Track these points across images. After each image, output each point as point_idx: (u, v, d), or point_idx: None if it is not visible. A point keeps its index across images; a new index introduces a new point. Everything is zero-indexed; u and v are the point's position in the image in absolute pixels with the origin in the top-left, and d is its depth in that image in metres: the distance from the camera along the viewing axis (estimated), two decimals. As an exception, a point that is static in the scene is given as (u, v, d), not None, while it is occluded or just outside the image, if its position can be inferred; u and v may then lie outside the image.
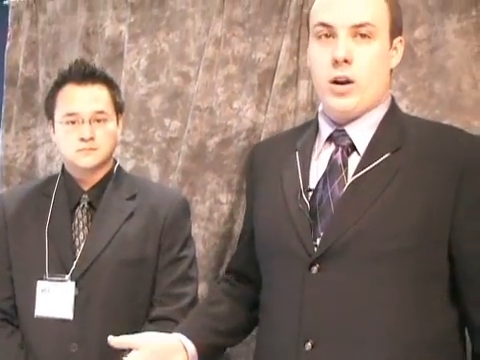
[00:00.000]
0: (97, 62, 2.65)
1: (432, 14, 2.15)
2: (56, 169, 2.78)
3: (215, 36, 2.47)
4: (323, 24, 1.50)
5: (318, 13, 1.52)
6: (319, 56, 1.51)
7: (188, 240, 2.09)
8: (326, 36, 1.50)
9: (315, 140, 1.59)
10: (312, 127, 1.62)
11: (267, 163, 1.66)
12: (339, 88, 1.48)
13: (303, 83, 2.31)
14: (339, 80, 1.48)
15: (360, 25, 1.47)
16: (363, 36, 1.48)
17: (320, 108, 1.61)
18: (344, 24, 1.47)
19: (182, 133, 2.53)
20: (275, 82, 2.36)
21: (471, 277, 1.47)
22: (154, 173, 2.59)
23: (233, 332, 1.71)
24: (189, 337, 1.59)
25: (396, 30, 1.54)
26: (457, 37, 2.12)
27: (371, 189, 1.46)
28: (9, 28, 2.93)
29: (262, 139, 2.34)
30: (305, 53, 2.30)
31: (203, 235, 2.43)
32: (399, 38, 1.55)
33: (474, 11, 2.11)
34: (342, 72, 1.47)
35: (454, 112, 2.11)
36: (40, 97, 2.85)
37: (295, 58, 2.34)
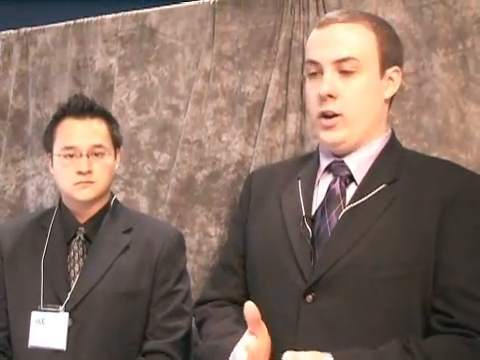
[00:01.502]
0: (87, 95, 2.64)
1: (419, 48, 2.16)
2: (46, 201, 2.78)
3: (204, 70, 2.49)
4: (311, 62, 1.55)
5: (308, 51, 1.59)
6: (310, 92, 1.57)
7: (183, 274, 2.09)
8: (314, 73, 1.55)
9: (317, 170, 1.61)
10: (313, 158, 1.65)
11: (266, 190, 1.66)
12: (326, 122, 1.53)
13: (292, 116, 2.32)
14: (328, 114, 1.52)
15: (343, 60, 1.51)
16: (347, 71, 1.51)
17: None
18: (328, 60, 1.52)
19: (171, 166, 2.54)
20: (264, 115, 2.37)
21: (437, 308, 1.46)
22: (143, 206, 2.59)
23: None
24: None
25: (389, 60, 1.55)
26: (444, 71, 2.14)
27: (364, 219, 1.47)
28: (-1, 60, 2.94)
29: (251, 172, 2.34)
30: (294, 87, 2.33)
31: (192, 268, 2.42)
32: (394, 68, 1.56)
33: (460, 45, 2.12)
34: (327, 107, 1.52)
35: (441, 145, 2.12)
36: (30, 129, 2.86)
37: (284, 91, 2.35)
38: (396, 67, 1.57)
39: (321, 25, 1.56)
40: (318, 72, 1.53)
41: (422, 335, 1.46)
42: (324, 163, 1.59)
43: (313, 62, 1.54)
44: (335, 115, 1.51)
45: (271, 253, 1.55)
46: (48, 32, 2.86)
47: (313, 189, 1.58)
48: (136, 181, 2.60)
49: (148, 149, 2.60)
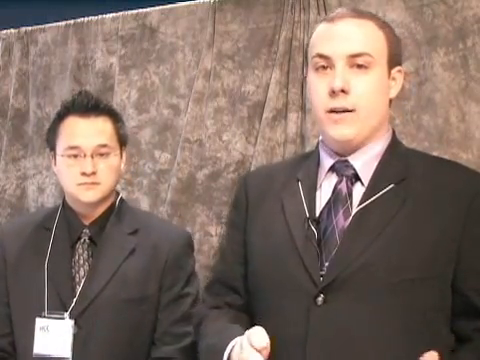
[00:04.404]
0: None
1: (420, 48, 2.17)
2: (47, 201, 2.78)
3: (205, 69, 2.49)
4: (321, 55, 1.50)
5: (316, 45, 1.53)
6: (317, 87, 1.51)
7: (191, 277, 2.02)
8: (324, 67, 1.50)
9: (318, 171, 1.57)
10: (312, 158, 1.61)
11: (265, 193, 1.62)
12: (337, 116, 1.48)
13: (292, 116, 2.32)
14: (336, 110, 1.47)
15: (357, 55, 1.47)
16: (360, 66, 1.48)
17: (320, 138, 1.61)
18: (341, 54, 1.47)
19: (172, 165, 2.54)
20: (264, 115, 2.37)
21: (468, 310, 1.46)
22: (144, 205, 2.59)
23: None
24: None
25: (394, 60, 1.53)
26: (445, 70, 2.14)
27: (377, 220, 1.45)
28: (-1, 59, 2.95)
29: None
30: (294, 86, 2.33)
31: (193, 267, 2.42)
32: (397, 68, 1.55)
33: (461, 45, 2.13)
34: (339, 103, 1.47)
35: (442, 145, 2.12)
36: (30, 129, 2.87)
37: (284, 91, 2.35)
38: (399, 67, 1.55)
39: (331, 19, 1.52)
40: (328, 66, 1.49)
41: (439, 339, 1.45)
42: (327, 163, 1.55)
43: (323, 56, 1.49)
44: (345, 111, 1.47)
45: (276, 257, 1.52)
46: (49, 31, 2.86)
47: (315, 190, 1.54)
48: (137, 180, 2.61)
49: (149, 148, 2.60)
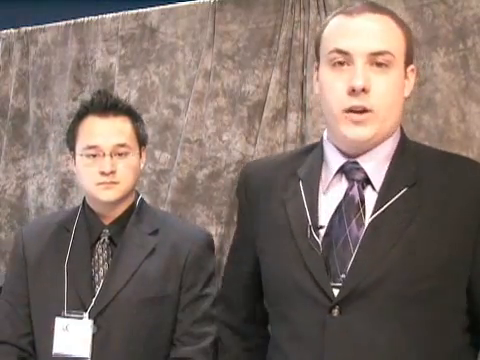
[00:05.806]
0: (87, 94, 2.65)
1: (420, 48, 2.16)
2: (47, 201, 2.78)
3: (205, 69, 2.49)
4: (339, 51, 1.43)
5: (333, 39, 1.46)
6: (333, 83, 1.44)
7: (211, 278, 2.02)
8: (341, 63, 1.44)
9: (321, 170, 1.51)
10: (315, 155, 1.55)
11: (267, 189, 1.57)
12: (356, 117, 1.41)
13: (292, 116, 2.32)
14: (355, 109, 1.41)
15: (378, 53, 1.41)
16: (380, 65, 1.42)
17: (325, 136, 1.55)
18: (362, 52, 1.41)
19: (172, 165, 2.54)
20: (264, 115, 2.37)
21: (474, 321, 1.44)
22: (144, 205, 2.59)
23: None
24: None
25: (409, 59, 1.49)
26: (445, 70, 2.14)
27: (391, 230, 1.40)
28: (-1, 59, 2.95)
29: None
30: (294, 86, 2.33)
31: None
32: (411, 67, 1.50)
33: (461, 45, 2.12)
34: (359, 102, 1.41)
35: (442, 145, 2.11)
36: (30, 129, 2.86)
37: (284, 91, 2.35)
38: (412, 66, 1.51)
39: (349, 13, 1.45)
40: (346, 62, 1.42)
41: (455, 348, 1.43)
42: (335, 164, 1.49)
43: (342, 52, 1.42)
44: (364, 111, 1.41)
45: (283, 265, 1.48)
46: (49, 31, 2.86)
47: (318, 192, 1.48)
48: (137, 180, 2.60)
49: (149, 148, 2.58)
